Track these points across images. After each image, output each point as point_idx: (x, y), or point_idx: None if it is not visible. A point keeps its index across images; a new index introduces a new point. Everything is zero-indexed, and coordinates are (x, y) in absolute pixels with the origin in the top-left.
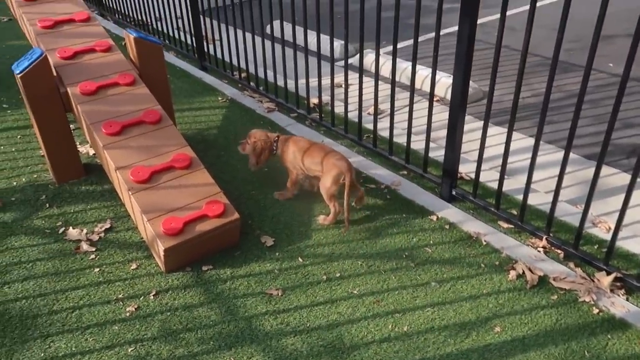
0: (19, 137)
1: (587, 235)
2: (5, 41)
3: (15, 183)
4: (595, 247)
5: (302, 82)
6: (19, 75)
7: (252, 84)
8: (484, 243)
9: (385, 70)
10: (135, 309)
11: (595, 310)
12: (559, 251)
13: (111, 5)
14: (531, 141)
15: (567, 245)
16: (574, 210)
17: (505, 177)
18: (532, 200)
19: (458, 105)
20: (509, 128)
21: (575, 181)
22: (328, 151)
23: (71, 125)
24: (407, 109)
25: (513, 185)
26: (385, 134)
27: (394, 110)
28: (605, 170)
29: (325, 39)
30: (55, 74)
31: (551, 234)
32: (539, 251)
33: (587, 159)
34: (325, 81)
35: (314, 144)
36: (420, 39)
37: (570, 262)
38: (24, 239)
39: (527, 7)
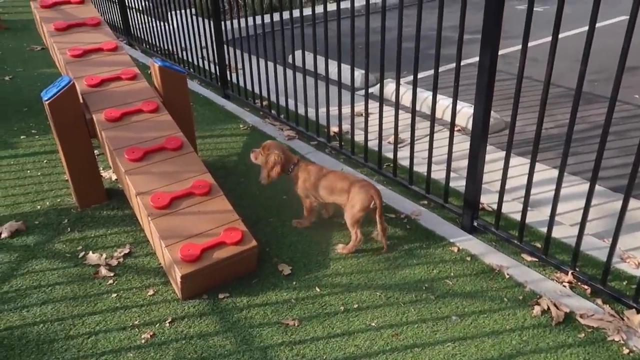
0: (45, 161)
1: (615, 271)
2: (38, 69)
3: (39, 207)
4: (624, 283)
5: (322, 110)
6: (46, 102)
7: (273, 112)
8: (507, 276)
9: (406, 99)
10: (151, 336)
11: (626, 350)
12: (585, 287)
13: (139, 35)
14: (555, 172)
15: (595, 281)
16: (601, 244)
17: (530, 208)
18: (557, 233)
19: (479, 136)
20: (531, 159)
21: (602, 214)
22: (352, 178)
23: (95, 151)
24: (427, 138)
25: (537, 217)
26: (405, 163)
27: (414, 140)
28: (633, 203)
29: (346, 68)
30: (81, 101)
31: (577, 269)
32: (564, 286)
33: (614, 191)
34: (346, 110)
35: (332, 172)
36: (441, 69)
37: (598, 299)
38: (45, 263)
39: (550, 38)
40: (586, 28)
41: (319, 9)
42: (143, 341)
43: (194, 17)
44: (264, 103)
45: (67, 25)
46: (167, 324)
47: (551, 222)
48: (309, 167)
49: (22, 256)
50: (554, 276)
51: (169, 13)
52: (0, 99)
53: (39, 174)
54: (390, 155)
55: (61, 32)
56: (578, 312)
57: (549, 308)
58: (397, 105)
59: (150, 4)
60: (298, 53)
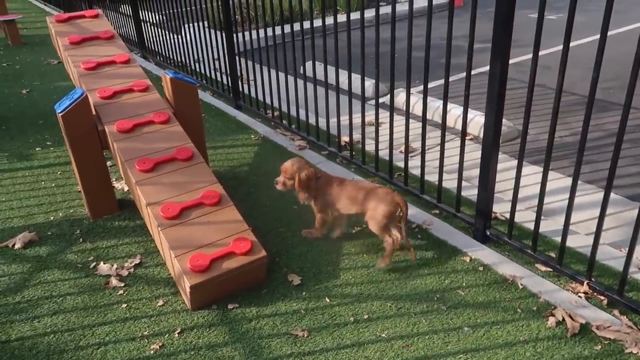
0: (59, 173)
1: (632, 281)
2: (54, 82)
3: (52, 218)
4: None
5: (333, 120)
6: (60, 114)
7: (284, 122)
8: (520, 287)
9: (417, 108)
10: (160, 346)
11: None
12: (601, 297)
13: (153, 48)
14: (569, 181)
15: (611, 291)
16: (618, 254)
17: (543, 217)
18: (572, 242)
19: (490, 144)
20: (544, 167)
21: (619, 223)
22: (373, 186)
23: (108, 162)
24: (439, 147)
25: (551, 226)
26: (416, 172)
27: (426, 149)
28: None
29: (357, 78)
30: (94, 112)
31: (593, 279)
32: (579, 297)
33: (631, 199)
34: (357, 120)
35: (351, 182)
36: (453, 78)
37: (615, 310)
38: (57, 273)
39: (569, 45)
40: (598, 37)
41: (329, 20)
42: (152, 352)
43: (207, 30)
44: (275, 113)
45: (81, 39)
46: (177, 335)
47: (565, 231)
48: (330, 178)
49: (34, 267)
50: (569, 286)
51: (183, 26)
52: (17, 112)
53: (53, 185)
54: (402, 164)
55: (75, 46)
56: (594, 323)
57: (564, 319)
58: (407, 114)
59: (165, 18)
60: (309, 64)
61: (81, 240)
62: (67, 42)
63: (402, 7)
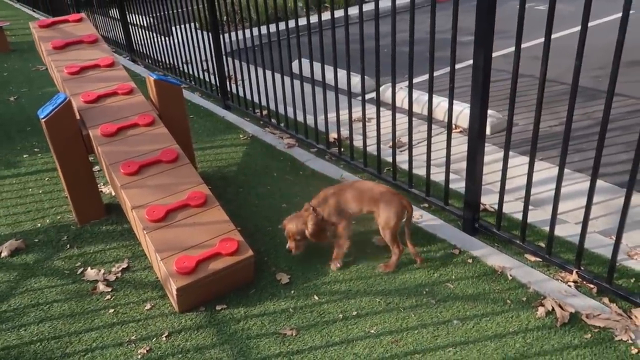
0: (47, 179)
1: (621, 268)
2: (42, 88)
3: (39, 224)
4: (632, 280)
5: (321, 117)
6: (43, 120)
7: (273, 120)
8: (510, 278)
9: (405, 103)
10: (147, 351)
11: (634, 350)
12: (591, 285)
13: (142, 50)
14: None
15: (600, 279)
16: (607, 242)
17: (534, 208)
18: (561, 231)
19: (476, 136)
20: (530, 157)
21: (608, 211)
22: (378, 187)
23: (95, 167)
24: (427, 141)
25: (541, 216)
26: (405, 166)
27: (413, 143)
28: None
29: (344, 74)
30: (78, 117)
31: (582, 267)
32: (569, 286)
33: (620, 187)
34: (345, 116)
35: (352, 183)
36: (441, 71)
37: (604, 298)
38: (43, 281)
39: (553, 36)
40: (592, 24)
41: (314, 18)
42: (139, 356)
43: (196, 31)
44: (264, 112)
45: (65, 44)
46: (164, 338)
47: (553, 221)
48: (326, 192)
49: (21, 275)
50: (559, 276)
51: (172, 28)
52: (4, 119)
53: (40, 191)
54: (390, 159)
55: (58, 50)
56: (584, 312)
57: (553, 309)
58: (393, 109)
59: (154, 20)
60: (297, 62)
61: (68, 246)
62: (50, 47)
63: (386, 3)
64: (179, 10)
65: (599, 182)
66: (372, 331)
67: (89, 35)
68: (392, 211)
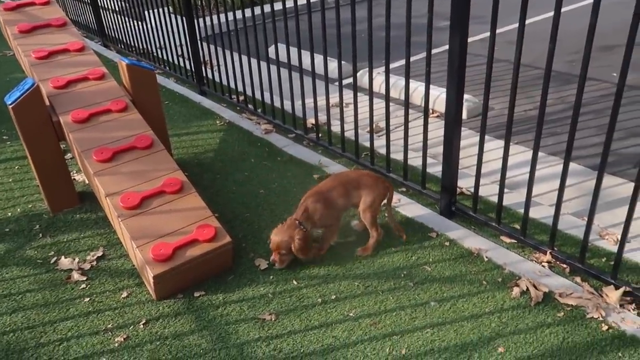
0: (16, 167)
1: (593, 248)
2: (10, 74)
3: (10, 214)
4: (603, 260)
5: (298, 103)
6: (10, 106)
7: (250, 106)
8: (486, 259)
9: (383, 88)
10: (124, 339)
11: (605, 327)
12: (564, 266)
13: (114, 35)
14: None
15: (573, 259)
16: (580, 223)
17: (509, 190)
18: (536, 213)
19: (453, 120)
20: (505, 141)
21: (581, 193)
22: (357, 174)
23: (68, 155)
24: (404, 126)
25: (516, 199)
26: (383, 151)
27: (391, 128)
28: (612, 180)
29: (321, 60)
30: (48, 103)
31: (556, 248)
32: (543, 266)
33: (593, 170)
34: (322, 102)
35: (331, 179)
36: (418, 56)
37: (577, 277)
38: (15, 271)
39: (529, 21)
40: (567, 9)
41: (290, 3)
42: (116, 345)
43: (169, 16)
44: (241, 98)
45: (32, 27)
46: (142, 326)
47: (527, 203)
48: (309, 201)
49: None
50: (533, 257)
51: (145, 12)
52: None
53: (10, 180)
54: (369, 144)
55: (25, 34)
56: (557, 291)
57: (528, 289)
58: (371, 94)
59: (126, 4)
60: (273, 47)
61: (41, 235)
62: (17, 30)
63: None
64: None
65: (572, 165)
66: (351, 314)
67: (57, 19)
68: (374, 193)
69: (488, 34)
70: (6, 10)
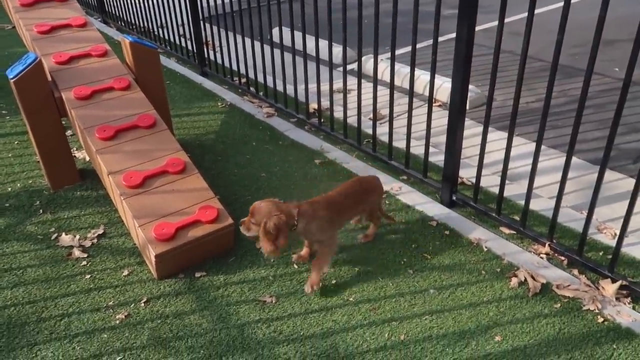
0: (16, 142)
1: (591, 242)
2: (9, 48)
3: (10, 189)
4: (601, 253)
5: (301, 87)
6: (12, 80)
7: (252, 89)
8: (485, 249)
9: (387, 75)
10: (125, 316)
11: (600, 319)
12: (562, 258)
13: (114, 12)
14: (534, 146)
15: (571, 252)
16: (579, 216)
17: (509, 182)
18: (536, 205)
19: (457, 110)
20: (509, 132)
21: (581, 186)
22: (356, 184)
23: (68, 131)
24: (407, 114)
25: (516, 190)
26: (385, 138)
27: (394, 116)
28: (611, 175)
29: (326, 44)
30: (50, 78)
31: (554, 240)
32: (541, 258)
33: (594, 164)
34: (325, 87)
35: (336, 191)
36: (423, 44)
37: (574, 269)
38: (16, 246)
39: (535, 11)
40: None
41: None
42: (117, 322)
43: None
44: (243, 80)
45: (34, 1)
46: (142, 304)
47: (528, 195)
48: (314, 206)
49: None
50: (532, 248)
51: None
52: None
53: (10, 155)
54: (371, 131)
55: (27, 8)
56: (554, 282)
57: (526, 279)
58: (375, 81)
59: None
60: (277, 30)
61: (41, 211)
62: (18, 4)
63: None
64: None
65: (573, 159)
66: (351, 299)
67: None
68: (375, 196)
69: (491, 24)
70: None
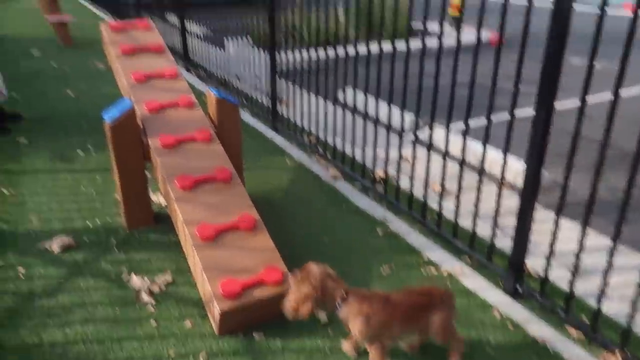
0: (99, 179)
1: None
2: (100, 87)
3: (90, 224)
4: None
5: (368, 151)
6: (109, 124)
7: (319, 149)
8: (552, 352)
9: (453, 148)
10: None
11: None
12: None
13: (196, 61)
14: (603, 239)
15: None
16: None
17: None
18: (605, 307)
19: (530, 194)
20: (583, 224)
21: None
22: (422, 292)
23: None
24: (473, 190)
25: (583, 286)
26: (447, 214)
27: (461, 192)
28: None
29: (396, 111)
30: (140, 125)
31: (627, 352)
32: None
33: None
34: (392, 154)
35: (397, 295)
36: (494, 120)
37: None
38: (91, 281)
39: (604, 95)
40: None
41: (374, 48)
42: None
43: (251, 47)
44: (312, 139)
45: (133, 49)
46: (201, 359)
47: (600, 297)
48: (367, 300)
49: (70, 272)
50: (602, 356)
51: (225, 39)
52: (62, 113)
53: (93, 191)
54: (434, 205)
55: (127, 56)
56: None
57: None
58: (445, 154)
59: (208, 29)
60: (348, 91)
61: (116, 250)
62: (120, 51)
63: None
64: (236, 23)
65: None
66: None
67: (156, 44)
68: (446, 311)
69: (562, 106)
70: (112, 30)
